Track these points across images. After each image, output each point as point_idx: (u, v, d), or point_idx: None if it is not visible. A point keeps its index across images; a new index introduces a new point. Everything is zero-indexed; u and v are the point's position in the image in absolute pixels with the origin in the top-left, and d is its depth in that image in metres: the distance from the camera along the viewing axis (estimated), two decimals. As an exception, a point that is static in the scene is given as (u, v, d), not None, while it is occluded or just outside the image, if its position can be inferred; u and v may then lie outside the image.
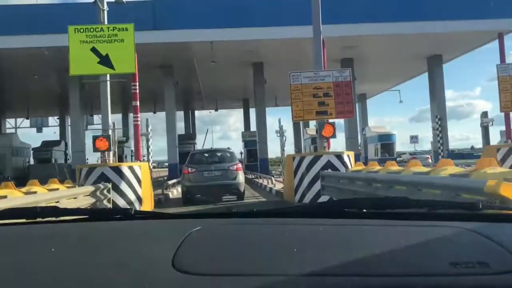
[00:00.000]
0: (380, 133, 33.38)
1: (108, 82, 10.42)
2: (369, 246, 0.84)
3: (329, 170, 9.87)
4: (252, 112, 38.98)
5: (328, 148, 10.70)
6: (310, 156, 10.48)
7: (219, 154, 13.36)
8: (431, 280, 0.69)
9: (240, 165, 12.80)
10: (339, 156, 10.30)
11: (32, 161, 31.02)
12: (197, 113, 41.42)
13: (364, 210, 1.16)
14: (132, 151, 34.46)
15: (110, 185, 8.86)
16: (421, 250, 0.82)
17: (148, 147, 12.55)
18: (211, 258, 0.81)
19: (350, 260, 0.76)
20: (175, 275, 0.71)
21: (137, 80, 10.86)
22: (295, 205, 2.52)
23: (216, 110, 38.09)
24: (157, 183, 17.27)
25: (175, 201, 13.96)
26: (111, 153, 10.05)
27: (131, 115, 20.68)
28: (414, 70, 28.94)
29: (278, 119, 15.75)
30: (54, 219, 1.20)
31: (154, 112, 35.88)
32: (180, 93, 31.49)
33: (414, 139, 44.23)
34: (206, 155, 13.68)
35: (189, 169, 12.20)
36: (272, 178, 17.05)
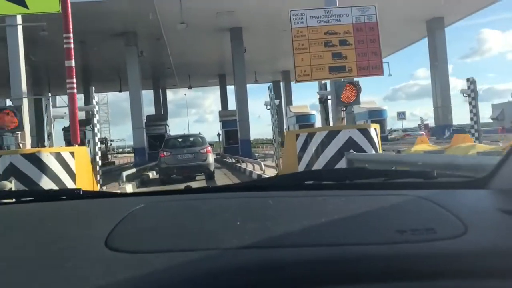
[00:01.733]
0: (370, 109, 30.57)
1: (20, 28, 6.95)
2: (318, 216, 0.82)
3: (352, 151, 6.72)
4: (230, 90, 35.77)
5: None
6: (323, 132, 7.22)
7: (191, 139, 14.73)
8: (373, 249, 0.67)
9: (210, 148, 14.13)
10: (364, 131, 7.16)
11: None
12: (170, 95, 37.74)
13: (323, 182, 1.17)
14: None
15: (12, 184, 5.41)
16: (370, 219, 0.81)
17: (95, 127, 9.09)
18: (146, 236, 0.78)
19: (295, 230, 0.74)
20: (105, 253, 0.69)
21: (71, 31, 7.40)
22: (251, 180, 2.27)
23: (190, 87, 34.35)
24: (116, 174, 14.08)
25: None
26: (27, 135, 6.67)
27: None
28: (406, 38, 25.98)
29: (268, 86, 12.36)
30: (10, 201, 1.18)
31: (120, 91, 31.91)
32: (147, 68, 27.87)
33: (401, 115, 41.79)
34: (180, 140, 14.93)
35: (165, 153, 13.64)
36: (261, 163, 13.85)
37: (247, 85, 21.93)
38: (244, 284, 0.62)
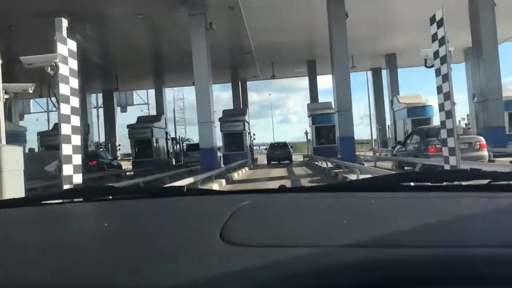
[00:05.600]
0: (411, 104, 23.40)
1: None
2: (422, 217, 0.82)
3: None
4: (321, 79, 30.10)
5: None
6: None
7: (281, 144, 29.63)
8: (492, 251, 0.64)
9: (290, 149, 29.22)
10: None
11: None
12: (254, 96, 32.96)
13: (422, 184, 1.15)
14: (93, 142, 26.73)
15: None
16: (481, 221, 0.79)
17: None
18: (258, 230, 0.81)
19: (402, 231, 0.73)
20: (222, 246, 0.72)
21: None
22: (346, 181, 2.38)
23: (273, 77, 29.17)
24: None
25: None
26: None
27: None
28: None
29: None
30: (110, 197, 1.27)
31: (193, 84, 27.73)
32: (223, 53, 23.22)
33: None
34: (275, 145, 29.61)
35: (269, 151, 28.85)
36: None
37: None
38: (352, 283, 0.61)
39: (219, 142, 37.45)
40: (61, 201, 1.25)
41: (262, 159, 34.09)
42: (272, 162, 27.19)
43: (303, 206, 0.98)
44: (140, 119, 25.83)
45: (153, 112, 33.27)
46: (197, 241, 0.76)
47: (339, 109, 15.84)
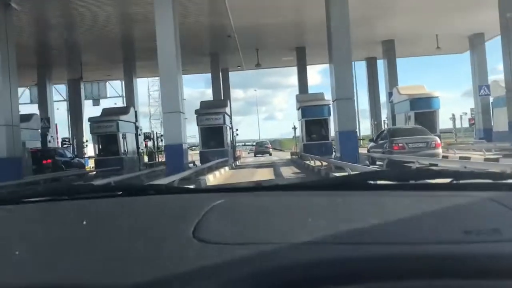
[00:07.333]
0: (414, 96, 20.81)
1: None
2: (385, 215, 0.85)
3: None
4: (309, 73, 27.14)
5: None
6: None
7: (263, 142, 46.17)
8: (441, 248, 0.70)
9: (270, 145, 44.07)
10: None
11: None
12: (241, 93, 29.84)
13: (388, 182, 1.18)
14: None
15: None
16: (436, 219, 0.84)
17: None
18: (231, 229, 0.83)
19: (364, 228, 0.77)
20: (195, 244, 0.74)
21: None
22: (317, 179, 2.50)
23: (258, 65, 26.05)
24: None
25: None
26: None
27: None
28: None
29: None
30: (88, 195, 1.26)
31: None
32: (199, 34, 20.15)
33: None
34: (259, 142, 45.59)
35: (255, 147, 44.03)
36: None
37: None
38: (315, 278, 0.64)
39: (192, 139, 34.60)
40: (39, 199, 1.24)
41: (247, 156, 39.11)
42: (257, 155, 39.41)
43: (275, 205, 1.01)
44: (105, 111, 22.46)
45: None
46: (170, 239, 0.78)
47: (337, 97, 12.86)
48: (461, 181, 1.13)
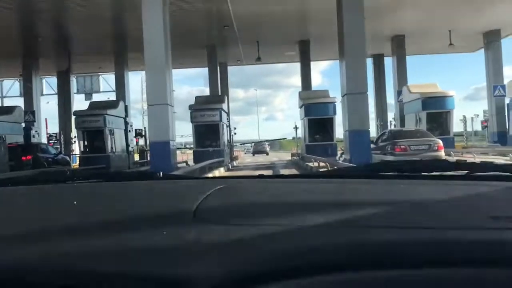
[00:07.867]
0: (427, 94, 19.38)
1: None
2: (401, 201, 0.81)
3: None
4: (312, 68, 25.52)
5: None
6: None
7: (261, 142, 51.55)
8: (470, 234, 0.67)
9: (267, 145, 49.58)
10: None
11: None
12: (242, 93, 28.31)
13: (400, 173, 1.14)
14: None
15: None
16: (459, 205, 0.80)
17: None
18: (232, 210, 0.83)
19: (376, 213, 0.74)
20: (196, 224, 0.74)
21: None
22: (326, 170, 1.33)
23: (259, 59, 24.33)
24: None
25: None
26: None
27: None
28: None
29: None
30: (88, 181, 1.25)
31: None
32: (195, 23, 18.53)
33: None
34: (259, 142, 50.46)
35: (252, 148, 50.32)
36: None
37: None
38: (327, 262, 0.63)
39: (189, 138, 32.88)
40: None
41: (245, 157, 38.28)
42: (256, 155, 42.14)
43: (279, 190, 0.98)
44: (92, 105, 20.79)
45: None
46: (171, 219, 0.77)
47: (348, 91, 11.23)
48: (479, 173, 1.06)
